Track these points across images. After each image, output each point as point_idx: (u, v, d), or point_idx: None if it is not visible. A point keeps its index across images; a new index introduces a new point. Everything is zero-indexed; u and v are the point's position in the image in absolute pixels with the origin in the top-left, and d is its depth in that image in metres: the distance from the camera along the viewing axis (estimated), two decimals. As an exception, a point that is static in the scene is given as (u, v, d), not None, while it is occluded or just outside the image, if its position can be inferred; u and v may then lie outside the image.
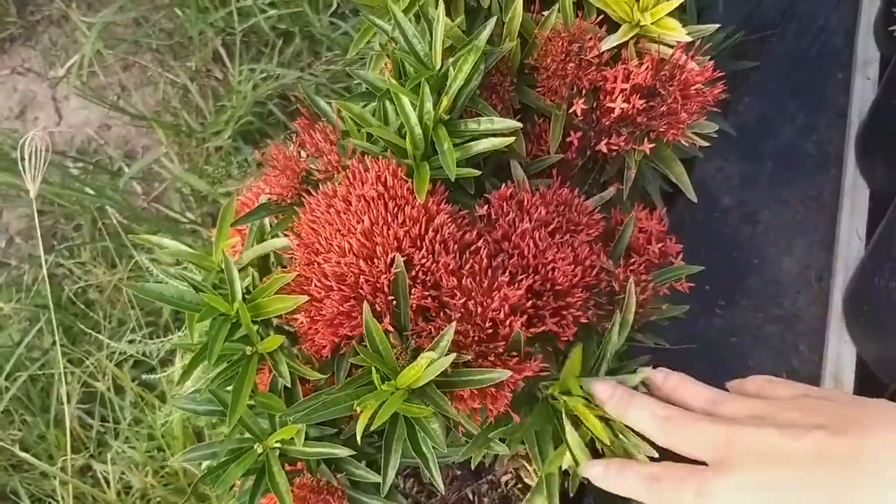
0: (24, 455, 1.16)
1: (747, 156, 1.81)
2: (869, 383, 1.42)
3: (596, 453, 0.69)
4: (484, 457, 1.09)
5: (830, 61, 1.91)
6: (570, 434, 0.68)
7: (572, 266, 0.76)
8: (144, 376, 1.33)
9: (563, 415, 0.69)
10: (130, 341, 1.32)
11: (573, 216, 0.81)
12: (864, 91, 1.72)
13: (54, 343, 1.39)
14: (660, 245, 0.86)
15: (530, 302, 0.73)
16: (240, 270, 0.80)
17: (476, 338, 0.71)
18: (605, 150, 0.88)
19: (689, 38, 0.84)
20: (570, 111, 0.87)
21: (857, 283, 1.46)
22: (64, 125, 1.96)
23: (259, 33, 1.87)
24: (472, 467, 1.11)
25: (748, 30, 1.97)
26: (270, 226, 0.84)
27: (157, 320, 1.52)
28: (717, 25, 0.94)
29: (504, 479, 1.11)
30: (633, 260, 0.83)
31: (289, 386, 0.77)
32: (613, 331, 0.75)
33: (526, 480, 1.09)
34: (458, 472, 1.12)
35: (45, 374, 1.43)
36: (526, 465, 1.08)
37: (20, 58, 2.06)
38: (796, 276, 1.67)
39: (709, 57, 0.89)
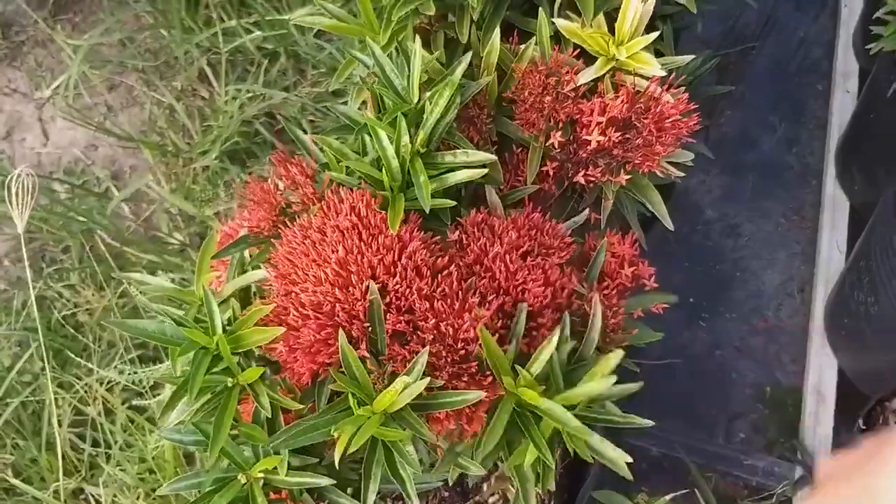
0: (15, 482, 1.17)
1: (729, 169, 1.83)
2: (850, 395, 1.44)
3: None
4: (466, 477, 1.11)
5: (811, 73, 1.93)
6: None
7: (543, 288, 0.78)
8: (135, 402, 1.34)
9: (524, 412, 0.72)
10: (119, 369, 1.33)
11: (545, 240, 0.83)
12: (843, 104, 1.74)
13: (44, 368, 1.40)
14: (632, 269, 0.87)
15: (500, 322, 0.75)
16: (221, 303, 0.82)
17: (449, 359, 0.72)
18: (582, 181, 0.90)
19: (663, 73, 0.86)
20: (548, 143, 0.89)
21: (838, 296, 1.48)
22: (51, 146, 1.97)
23: (245, 53, 1.88)
24: (458, 488, 1.13)
25: (729, 44, 2.00)
26: (251, 257, 0.86)
27: (147, 342, 1.53)
28: (691, 57, 0.96)
29: (491, 500, 1.12)
30: (605, 284, 0.85)
31: (270, 416, 0.78)
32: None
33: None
34: (446, 494, 1.13)
35: (37, 398, 1.44)
36: (511, 486, 1.09)
37: (6, 78, 2.07)
38: (778, 288, 1.69)
39: (683, 88, 0.91)
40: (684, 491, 1.21)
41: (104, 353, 1.49)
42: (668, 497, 1.14)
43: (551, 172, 0.91)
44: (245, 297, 0.85)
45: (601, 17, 0.90)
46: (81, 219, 1.62)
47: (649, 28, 1.07)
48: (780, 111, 1.90)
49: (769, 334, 1.65)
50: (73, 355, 1.44)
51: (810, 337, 1.53)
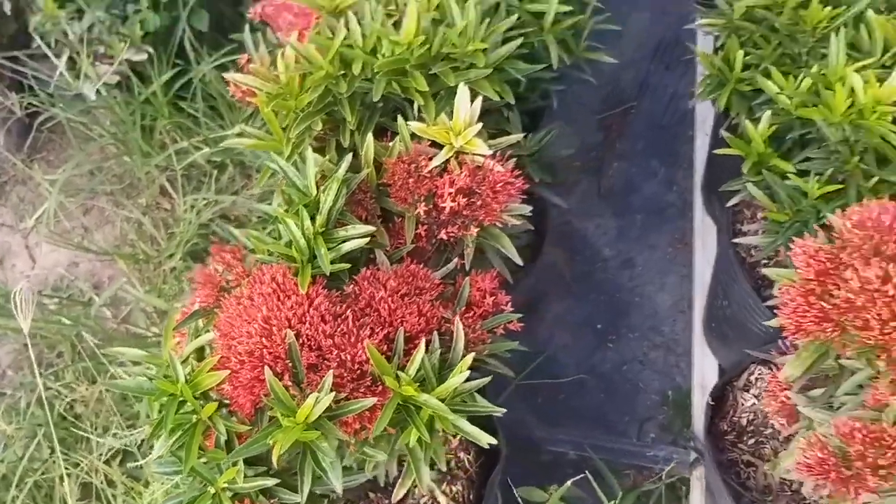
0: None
1: (620, 212, 2.14)
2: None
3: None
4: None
5: (681, 123, 2.27)
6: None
7: (417, 318, 1.06)
8: (129, 465, 1.60)
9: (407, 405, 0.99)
10: (116, 435, 1.59)
11: (419, 283, 1.11)
12: (703, 145, 2.07)
13: (52, 451, 1.66)
14: (493, 298, 1.16)
15: (386, 346, 1.03)
16: (183, 361, 1.09)
17: (350, 378, 1.00)
18: (445, 237, 1.20)
19: (489, 152, 1.17)
20: (417, 212, 1.19)
21: (708, 306, 1.77)
22: (38, 268, 2.26)
23: (198, 167, 2.19)
24: (389, 488, 1.39)
25: (611, 106, 2.33)
26: (203, 325, 1.14)
27: (135, 423, 1.79)
28: (520, 136, 1.27)
29: (422, 500, 1.38)
30: (471, 311, 1.13)
31: (227, 440, 1.05)
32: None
33: (439, 499, 1.36)
34: (386, 501, 1.39)
35: (46, 478, 1.68)
36: (436, 488, 1.35)
37: (-7, 215, 2.37)
38: (671, 308, 1.98)
39: (514, 160, 1.21)
40: (581, 476, 1.48)
41: (100, 435, 1.75)
42: (569, 482, 1.40)
43: (423, 234, 1.21)
44: (200, 355, 1.13)
45: (444, 115, 1.21)
46: (69, 322, 1.89)
47: (498, 115, 1.39)
48: (659, 157, 2.22)
49: (667, 347, 1.93)
50: (77, 435, 1.70)
51: (693, 343, 1.82)
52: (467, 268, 1.21)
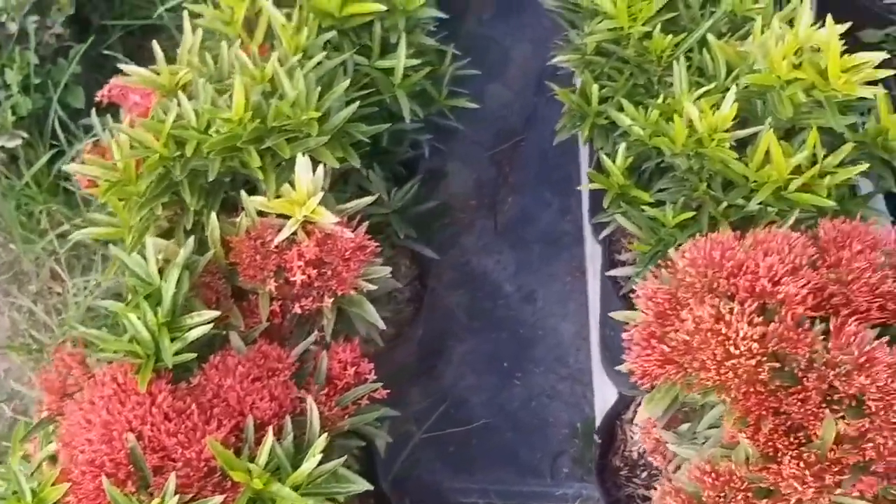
0: None
1: (517, 245, 2.14)
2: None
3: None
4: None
5: (570, 152, 2.27)
6: None
7: (269, 402, 1.04)
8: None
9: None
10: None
11: (272, 364, 1.09)
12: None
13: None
14: (354, 369, 1.14)
15: (235, 436, 1.00)
16: (32, 473, 1.05)
17: (196, 477, 0.97)
18: (300, 311, 1.17)
19: (335, 220, 1.14)
20: (269, 289, 1.16)
21: (601, 334, 1.78)
22: (-69, 368, 2.17)
23: (87, 246, 2.14)
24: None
25: (501, 141, 2.34)
26: (52, 432, 1.09)
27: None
28: (372, 198, 1.25)
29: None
30: (328, 384, 1.11)
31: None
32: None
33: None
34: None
35: None
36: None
37: None
38: (574, 337, 1.97)
39: (366, 224, 1.20)
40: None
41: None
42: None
43: (279, 310, 1.18)
44: (54, 461, 1.08)
45: (288, 186, 1.18)
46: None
47: (359, 175, 1.38)
48: (551, 188, 2.22)
49: (573, 378, 1.92)
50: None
51: (593, 372, 1.82)
52: (328, 339, 1.19)
